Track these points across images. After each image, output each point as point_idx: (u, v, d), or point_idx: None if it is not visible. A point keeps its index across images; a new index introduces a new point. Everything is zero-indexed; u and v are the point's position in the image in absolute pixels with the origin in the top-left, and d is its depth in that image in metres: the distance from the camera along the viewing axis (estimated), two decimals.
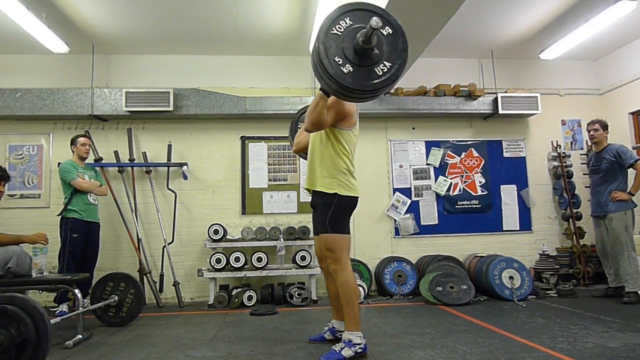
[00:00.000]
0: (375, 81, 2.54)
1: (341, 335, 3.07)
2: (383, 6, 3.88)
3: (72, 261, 4.57)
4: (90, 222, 4.83)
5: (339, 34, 2.51)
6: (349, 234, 3.08)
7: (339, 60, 2.48)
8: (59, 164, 5.03)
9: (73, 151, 4.93)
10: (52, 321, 2.80)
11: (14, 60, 5.85)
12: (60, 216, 4.74)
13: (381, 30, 2.52)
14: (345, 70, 2.48)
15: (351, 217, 3.11)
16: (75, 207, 4.70)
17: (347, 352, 2.86)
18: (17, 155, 5.74)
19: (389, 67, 2.56)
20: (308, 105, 3.10)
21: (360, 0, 2.67)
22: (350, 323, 2.93)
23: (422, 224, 6.08)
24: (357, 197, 3.08)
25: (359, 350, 2.89)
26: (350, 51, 2.49)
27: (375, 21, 2.32)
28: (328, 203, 3.01)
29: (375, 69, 2.54)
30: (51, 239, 4.08)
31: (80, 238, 4.66)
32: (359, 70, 2.51)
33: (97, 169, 5.29)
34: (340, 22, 2.53)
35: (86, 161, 5.04)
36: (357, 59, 2.50)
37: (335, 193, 2.99)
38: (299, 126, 3.79)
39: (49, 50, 5.30)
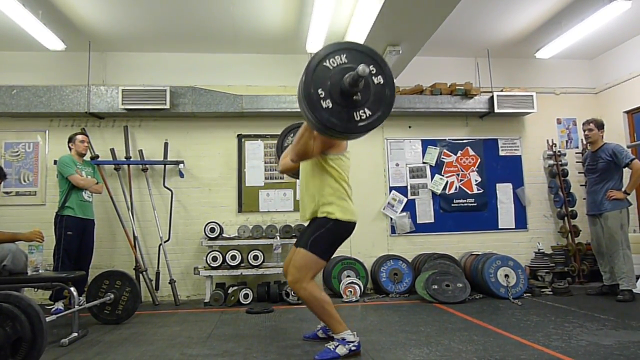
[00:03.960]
0: (350, 125, 2.51)
1: (331, 334, 3.09)
2: (379, 5, 3.89)
3: (67, 259, 4.56)
4: (85, 219, 4.81)
5: (330, 68, 2.48)
6: (326, 262, 3.00)
7: (322, 94, 2.45)
8: (55, 161, 5.02)
9: (71, 148, 4.92)
10: (48, 319, 2.80)
11: (10, 57, 5.83)
12: (55, 214, 4.72)
13: (373, 77, 2.51)
14: (324, 105, 2.45)
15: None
16: (71, 204, 4.69)
17: (342, 349, 2.87)
18: (13, 152, 5.72)
19: (368, 115, 2.53)
20: (294, 123, 3.09)
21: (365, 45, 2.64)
22: (335, 327, 2.92)
23: (418, 222, 6.10)
24: (354, 223, 3.02)
25: (353, 348, 2.90)
26: (336, 89, 2.46)
27: (362, 69, 2.30)
28: (323, 224, 2.94)
29: (354, 113, 2.51)
30: (47, 237, 4.07)
31: (75, 235, 4.65)
32: (338, 109, 2.47)
33: (95, 166, 5.29)
34: (336, 57, 2.50)
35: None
36: (339, 98, 2.47)
37: (336, 219, 2.93)
38: (286, 144, 3.76)
39: (45, 47, 5.28)
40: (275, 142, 5.96)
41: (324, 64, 2.47)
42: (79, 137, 4.95)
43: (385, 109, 2.57)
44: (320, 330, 3.36)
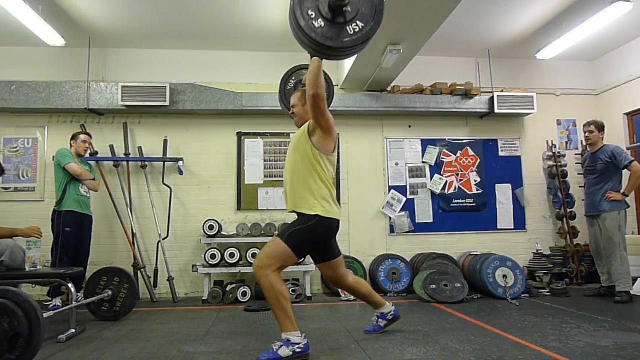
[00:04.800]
0: (346, 39, 2.54)
1: (392, 316, 3.39)
2: None
3: (65, 255, 4.53)
4: (83, 215, 4.77)
5: None
6: (297, 258, 2.95)
7: (312, 14, 2.48)
8: (53, 157, 5.01)
9: (72, 145, 4.89)
10: (45, 315, 2.80)
11: (9, 52, 5.82)
12: (52, 210, 4.70)
13: None
14: (316, 25, 2.49)
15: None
16: (68, 200, 4.65)
17: (285, 351, 2.74)
18: (12, 148, 5.72)
19: (361, 27, 2.56)
20: (296, 66, 3.04)
21: None
22: (284, 325, 2.80)
23: (417, 222, 6.10)
24: (338, 221, 3.02)
25: (298, 350, 2.77)
26: (325, 6, 2.49)
27: None
28: (305, 221, 2.92)
29: (347, 28, 2.53)
30: (45, 233, 4.07)
31: (73, 232, 4.62)
32: (331, 26, 2.51)
33: (93, 165, 5.28)
34: None
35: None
36: (330, 15, 2.50)
37: (317, 215, 2.90)
38: (289, 88, 3.70)
39: (45, 43, 5.27)
40: (275, 140, 6.00)
41: None
42: (82, 136, 4.90)
43: (377, 17, 2.59)
44: (380, 320, 3.47)
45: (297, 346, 2.77)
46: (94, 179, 4.93)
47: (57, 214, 4.62)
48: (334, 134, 3.05)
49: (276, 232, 5.33)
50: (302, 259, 4.74)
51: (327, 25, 2.50)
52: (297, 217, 3.03)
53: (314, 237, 2.94)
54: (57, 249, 4.52)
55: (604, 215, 4.80)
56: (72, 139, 4.90)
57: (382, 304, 3.45)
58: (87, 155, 5.20)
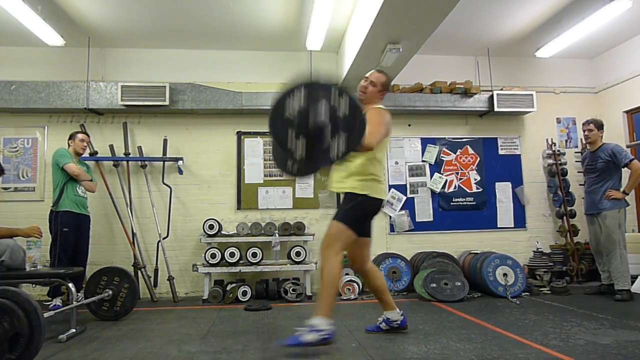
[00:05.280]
0: (331, 154, 2.50)
1: (397, 324, 3.34)
2: (380, 2, 3.88)
3: (64, 255, 4.52)
4: (80, 215, 4.75)
5: (292, 118, 2.46)
6: (357, 234, 3.14)
7: (291, 146, 2.45)
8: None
9: (70, 145, 4.88)
10: (46, 315, 2.79)
11: (8, 52, 5.81)
12: (50, 210, 4.69)
13: (337, 104, 2.48)
14: (298, 151, 2.46)
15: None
16: (66, 200, 4.63)
17: (310, 336, 2.85)
18: (12, 148, 5.71)
19: (345, 139, 2.50)
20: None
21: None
22: (322, 308, 2.95)
23: (417, 220, 6.10)
24: (382, 200, 3.22)
25: (325, 337, 2.89)
26: (305, 131, 2.44)
27: (319, 120, 2.35)
28: (353, 199, 3.13)
29: (332, 146, 2.48)
30: (45, 233, 4.07)
31: (71, 232, 4.60)
32: (314, 146, 2.47)
33: (91, 166, 5.26)
34: (294, 103, 2.48)
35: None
36: (311, 138, 2.45)
37: (365, 194, 3.11)
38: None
39: (45, 42, 5.26)
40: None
41: (285, 115, 2.45)
42: (80, 135, 4.88)
43: (359, 129, 2.53)
44: (383, 323, 3.42)
45: (324, 332, 2.91)
46: (91, 180, 4.91)
47: (55, 214, 4.60)
48: (388, 126, 3.19)
49: (271, 231, 5.34)
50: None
51: (311, 146, 2.46)
52: (345, 197, 3.19)
53: (364, 212, 3.17)
54: (55, 249, 4.51)
55: (604, 214, 4.80)
56: (69, 139, 4.89)
57: (391, 307, 3.38)
58: (87, 154, 5.19)
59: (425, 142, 6.26)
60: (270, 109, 2.49)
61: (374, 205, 3.17)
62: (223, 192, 5.88)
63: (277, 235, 5.36)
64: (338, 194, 3.21)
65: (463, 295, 4.80)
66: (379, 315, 3.49)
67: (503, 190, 6.30)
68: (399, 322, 3.39)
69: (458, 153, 6.29)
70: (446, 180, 6.19)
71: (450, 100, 6.05)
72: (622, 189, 4.80)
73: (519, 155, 6.41)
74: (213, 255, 5.17)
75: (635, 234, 5.79)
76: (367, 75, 3.36)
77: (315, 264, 5.36)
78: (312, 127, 2.39)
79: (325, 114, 2.35)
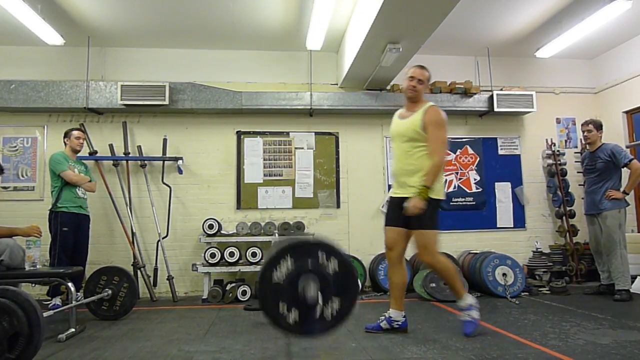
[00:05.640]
0: (325, 323, 2.35)
1: (398, 325, 3.42)
2: (380, 2, 3.88)
3: (64, 255, 4.51)
4: (80, 215, 4.74)
5: (281, 282, 2.29)
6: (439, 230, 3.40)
7: (283, 310, 2.29)
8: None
9: (66, 143, 4.86)
10: (45, 314, 2.79)
11: (8, 51, 5.81)
12: (49, 210, 4.67)
13: (328, 265, 2.35)
14: (290, 319, 2.29)
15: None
16: (65, 201, 4.62)
17: (475, 314, 3.32)
18: (11, 147, 5.71)
19: (338, 304, 2.35)
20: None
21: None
22: (460, 291, 3.34)
23: None
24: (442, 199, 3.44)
25: (477, 306, 3.37)
26: (295, 299, 2.28)
27: (311, 296, 2.20)
28: (435, 204, 3.29)
29: (324, 312, 2.33)
30: (45, 232, 4.06)
31: (70, 231, 4.59)
32: (307, 315, 2.31)
33: (89, 165, 5.26)
34: (282, 266, 2.31)
35: (78, 155, 4.98)
36: (303, 306, 2.29)
37: (436, 198, 3.29)
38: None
39: (44, 42, 5.26)
40: (275, 139, 5.99)
41: (274, 280, 2.29)
42: (75, 132, 4.86)
43: (353, 292, 2.41)
44: (384, 322, 3.45)
45: (475, 303, 3.37)
46: (90, 181, 4.90)
47: (54, 214, 4.59)
48: (446, 127, 3.40)
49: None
50: None
51: (303, 315, 2.30)
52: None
53: (437, 209, 3.37)
54: (55, 249, 4.50)
55: (605, 214, 4.80)
56: (65, 137, 4.86)
57: (399, 307, 3.43)
58: (86, 153, 5.18)
59: None
60: (258, 279, 2.38)
61: (440, 206, 3.41)
62: (223, 191, 5.88)
63: (276, 234, 5.37)
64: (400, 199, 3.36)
65: None
66: (378, 315, 3.50)
67: (502, 190, 6.30)
68: (400, 323, 3.43)
69: (458, 153, 6.29)
70: (446, 180, 6.19)
71: (450, 100, 6.04)
72: (622, 189, 4.81)
73: (519, 155, 6.41)
74: (213, 255, 5.17)
75: (635, 234, 5.79)
76: (410, 74, 3.54)
77: None
78: (303, 300, 2.26)
79: (314, 289, 2.24)
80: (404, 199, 3.29)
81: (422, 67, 3.60)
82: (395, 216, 3.42)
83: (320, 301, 2.27)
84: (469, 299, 3.35)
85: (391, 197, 3.57)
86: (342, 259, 2.37)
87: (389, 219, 3.50)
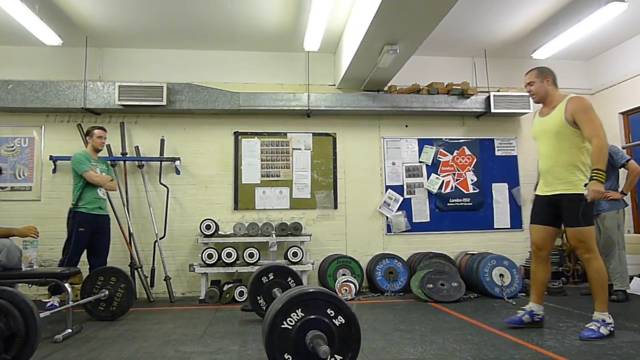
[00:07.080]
0: None
1: (539, 318, 3.49)
2: (377, 3, 3.89)
3: (76, 255, 4.51)
4: (99, 216, 4.73)
5: (289, 327, 2.29)
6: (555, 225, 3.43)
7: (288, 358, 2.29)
8: (50, 157, 4.99)
9: (88, 142, 4.86)
10: (42, 315, 2.79)
11: (5, 51, 5.80)
12: (69, 209, 4.65)
13: (333, 320, 2.35)
14: None
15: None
16: (85, 202, 4.62)
17: (605, 330, 3.18)
18: (9, 147, 5.70)
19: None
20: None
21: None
22: (602, 305, 3.26)
23: (413, 221, 6.10)
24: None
25: (611, 329, 3.20)
26: (302, 349, 2.28)
27: (323, 351, 2.15)
28: (579, 199, 3.22)
29: None
30: (42, 233, 4.05)
31: (86, 232, 4.58)
32: None
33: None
34: (292, 315, 2.31)
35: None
36: (308, 357, 2.28)
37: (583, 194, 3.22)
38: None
39: (42, 42, 5.25)
40: (272, 140, 5.99)
41: (282, 325, 2.30)
42: (97, 131, 4.83)
43: (355, 347, 2.41)
44: (526, 315, 3.50)
45: (611, 325, 3.21)
46: (111, 180, 4.91)
47: (73, 213, 4.59)
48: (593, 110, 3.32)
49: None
50: None
51: None
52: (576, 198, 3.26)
53: (590, 204, 3.25)
54: (68, 247, 4.49)
55: (603, 215, 4.81)
56: (87, 135, 4.89)
57: (540, 301, 3.55)
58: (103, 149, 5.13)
59: (422, 143, 6.27)
60: (264, 333, 2.38)
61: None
62: (220, 192, 5.88)
63: (274, 235, 5.37)
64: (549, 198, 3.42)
65: (459, 296, 4.81)
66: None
67: (500, 191, 6.32)
68: (540, 316, 3.53)
69: (455, 154, 6.31)
70: (443, 181, 6.20)
71: (447, 101, 6.06)
72: (620, 190, 4.82)
73: (516, 156, 6.43)
74: (210, 256, 5.16)
75: (632, 235, 5.81)
76: (525, 82, 3.76)
77: (312, 264, 5.37)
78: (312, 353, 2.28)
79: (325, 344, 2.26)
80: (553, 196, 3.35)
81: (529, 72, 3.77)
82: (543, 214, 3.46)
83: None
84: (608, 318, 3.24)
85: (537, 195, 3.55)
86: (349, 314, 2.38)
87: (536, 217, 3.51)
